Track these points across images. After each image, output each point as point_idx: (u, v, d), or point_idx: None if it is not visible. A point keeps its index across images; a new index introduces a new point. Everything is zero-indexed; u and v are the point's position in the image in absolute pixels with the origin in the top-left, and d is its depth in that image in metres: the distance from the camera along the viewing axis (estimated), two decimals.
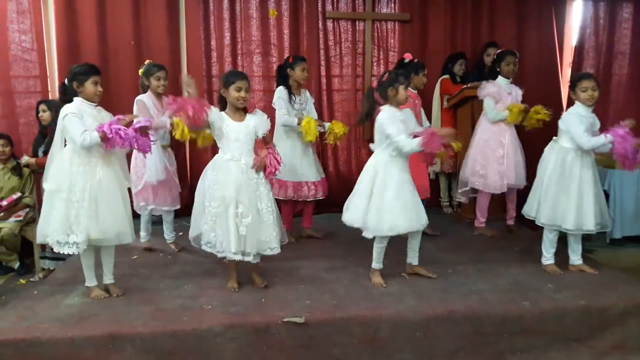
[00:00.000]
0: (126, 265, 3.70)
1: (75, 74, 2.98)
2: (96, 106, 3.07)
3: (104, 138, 2.87)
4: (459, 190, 4.50)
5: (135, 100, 3.89)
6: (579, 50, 5.75)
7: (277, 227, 3.19)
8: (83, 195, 2.91)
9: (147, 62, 4.03)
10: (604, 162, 5.15)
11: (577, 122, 3.37)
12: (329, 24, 5.43)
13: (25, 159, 4.27)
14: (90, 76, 2.98)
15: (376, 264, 3.34)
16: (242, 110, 3.19)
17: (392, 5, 5.54)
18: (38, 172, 4.27)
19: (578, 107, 3.45)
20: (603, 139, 3.28)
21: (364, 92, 5.46)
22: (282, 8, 5.27)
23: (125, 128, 2.90)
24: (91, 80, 2.98)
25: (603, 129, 3.44)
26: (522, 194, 4.25)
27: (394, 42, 5.57)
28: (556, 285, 3.24)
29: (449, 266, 3.55)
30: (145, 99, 3.90)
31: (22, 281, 4.16)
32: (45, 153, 4.22)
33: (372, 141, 3.35)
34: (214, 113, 3.10)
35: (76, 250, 2.93)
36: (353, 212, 3.29)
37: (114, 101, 5.01)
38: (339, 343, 2.78)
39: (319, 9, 5.35)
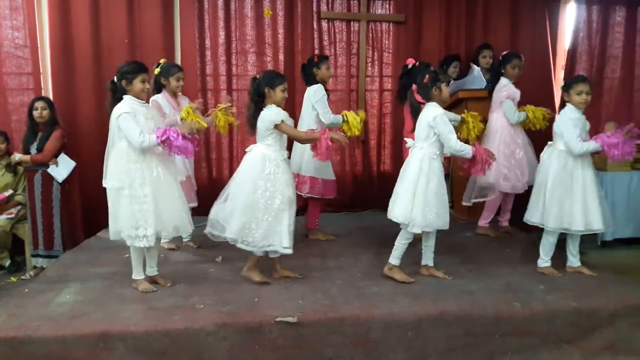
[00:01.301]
0: (118, 263, 3.68)
1: (123, 72, 3.08)
2: (144, 103, 3.16)
3: (163, 142, 3.00)
4: (489, 197, 4.40)
5: (150, 101, 3.87)
6: (572, 54, 5.78)
7: None
8: (143, 190, 3.01)
9: (162, 61, 4.05)
10: (596, 164, 5.18)
11: (571, 126, 3.40)
12: (324, 24, 5.43)
13: (17, 156, 4.24)
14: (138, 74, 3.08)
15: (396, 260, 3.37)
16: None
17: (387, 6, 5.55)
18: (31, 169, 4.24)
19: (571, 110, 3.48)
20: (594, 145, 3.35)
21: (358, 92, 5.49)
22: (277, 8, 5.26)
23: (179, 136, 3.03)
24: (139, 78, 3.09)
25: (593, 132, 3.50)
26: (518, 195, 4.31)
27: (388, 43, 5.58)
28: (547, 287, 3.27)
29: (441, 267, 3.55)
30: (160, 99, 3.93)
31: (13, 279, 4.14)
32: (39, 150, 4.20)
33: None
34: (285, 114, 3.22)
35: (147, 243, 3.03)
36: (401, 208, 3.28)
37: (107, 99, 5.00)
38: (332, 343, 2.78)
39: (314, 9, 5.34)
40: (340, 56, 5.49)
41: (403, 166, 3.42)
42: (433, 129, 3.22)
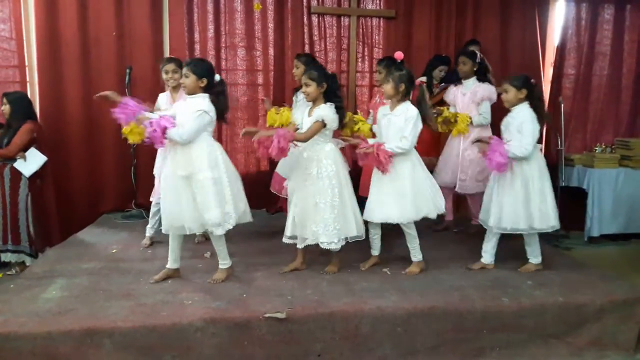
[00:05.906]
0: (104, 259, 3.65)
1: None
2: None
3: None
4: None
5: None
6: (561, 50, 5.81)
7: (334, 223, 3.25)
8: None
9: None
10: (584, 161, 5.23)
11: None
12: (314, 19, 5.40)
13: None
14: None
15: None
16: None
17: (378, 1, 5.52)
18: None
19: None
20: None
21: (348, 87, 5.48)
22: (266, 2, 5.22)
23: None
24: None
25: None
26: None
27: (378, 39, 5.57)
28: (535, 282, 3.29)
29: (430, 262, 3.57)
30: (161, 97, 4.00)
31: None
32: (7, 144, 4.11)
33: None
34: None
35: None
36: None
37: (95, 92, 4.94)
38: (320, 338, 2.78)
39: (304, 3, 5.31)
40: (330, 51, 5.47)
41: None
42: None
